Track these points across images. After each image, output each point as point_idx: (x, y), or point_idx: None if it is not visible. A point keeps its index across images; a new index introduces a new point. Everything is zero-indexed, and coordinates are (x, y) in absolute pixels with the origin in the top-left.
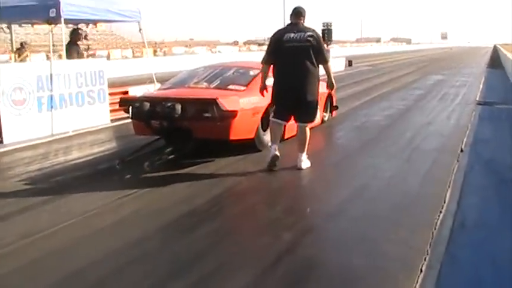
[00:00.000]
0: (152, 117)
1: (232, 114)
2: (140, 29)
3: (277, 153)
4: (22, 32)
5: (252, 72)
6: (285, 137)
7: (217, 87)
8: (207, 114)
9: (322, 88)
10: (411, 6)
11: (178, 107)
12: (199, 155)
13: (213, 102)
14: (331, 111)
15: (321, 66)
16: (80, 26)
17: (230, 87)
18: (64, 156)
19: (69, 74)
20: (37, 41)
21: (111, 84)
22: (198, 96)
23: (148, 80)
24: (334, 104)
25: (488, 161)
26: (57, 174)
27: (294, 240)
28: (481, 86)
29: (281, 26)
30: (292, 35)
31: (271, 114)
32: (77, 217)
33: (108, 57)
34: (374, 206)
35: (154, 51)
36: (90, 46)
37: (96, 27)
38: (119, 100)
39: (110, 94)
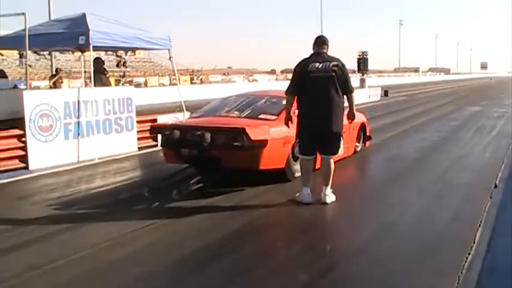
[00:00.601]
0: (182, 146)
1: (262, 143)
2: (170, 57)
3: (311, 199)
4: (63, 58)
5: (284, 102)
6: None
7: (248, 117)
8: (236, 144)
9: (356, 119)
10: (450, 35)
11: (208, 135)
12: (229, 183)
13: (241, 131)
14: (364, 142)
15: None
16: (119, 53)
17: (261, 116)
18: (87, 184)
19: (96, 101)
20: (76, 67)
21: (140, 112)
22: (227, 125)
23: (177, 109)
24: (368, 134)
25: None
26: (77, 203)
27: (309, 281)
28: None
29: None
30: (317, 64)
31: (296, 149)
32: (89, 249)
33: (145, 84)
34: (399, 245)
35: (191, 79)
36: (126, 73)
37: (134, 54)
38: (149, 128)
39: (138, 122)
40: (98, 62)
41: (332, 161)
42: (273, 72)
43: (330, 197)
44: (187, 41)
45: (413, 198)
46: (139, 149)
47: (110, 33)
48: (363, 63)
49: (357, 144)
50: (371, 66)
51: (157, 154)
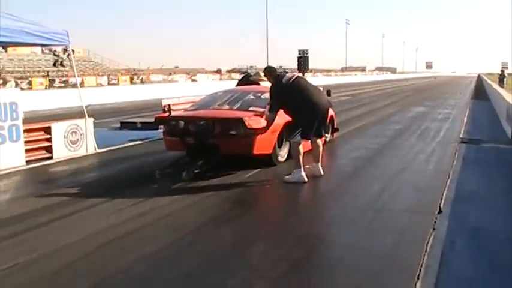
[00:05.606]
0: (187, 134)
1: (256, 131)
2: (69, 54)
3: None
4: None
5: (266, 95)
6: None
7: (239, 109)
8: (233, 132)
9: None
10: (396, 35)
11: (211, 125)
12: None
13: (239, 121)
14: (332, 133)
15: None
16: (56, 52)
17: (251, 108)
18: None
19: None
20: None
21: (31, 119)
22: (226, 116)
23: (78, 115)
24: (335, 126)
25: (475, 230)
26: None
27: None
28: (465, 120)
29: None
30: (289, 75)
31: (298, 137)
32: None
33: (81, 85)
34: None
35: (131, 79)
36: (49, 72)
37: (73, 53)
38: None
39: (27, 131)
40: None
41: (320, 142)
42: (218, 72)
43: (321, 169)
44: (135, 42)
45: (335, 234)
46: (28, 162)
47: None
48: (303, 62)
49: (326, 135)
50: (319, 65)
51: (47, 168)
